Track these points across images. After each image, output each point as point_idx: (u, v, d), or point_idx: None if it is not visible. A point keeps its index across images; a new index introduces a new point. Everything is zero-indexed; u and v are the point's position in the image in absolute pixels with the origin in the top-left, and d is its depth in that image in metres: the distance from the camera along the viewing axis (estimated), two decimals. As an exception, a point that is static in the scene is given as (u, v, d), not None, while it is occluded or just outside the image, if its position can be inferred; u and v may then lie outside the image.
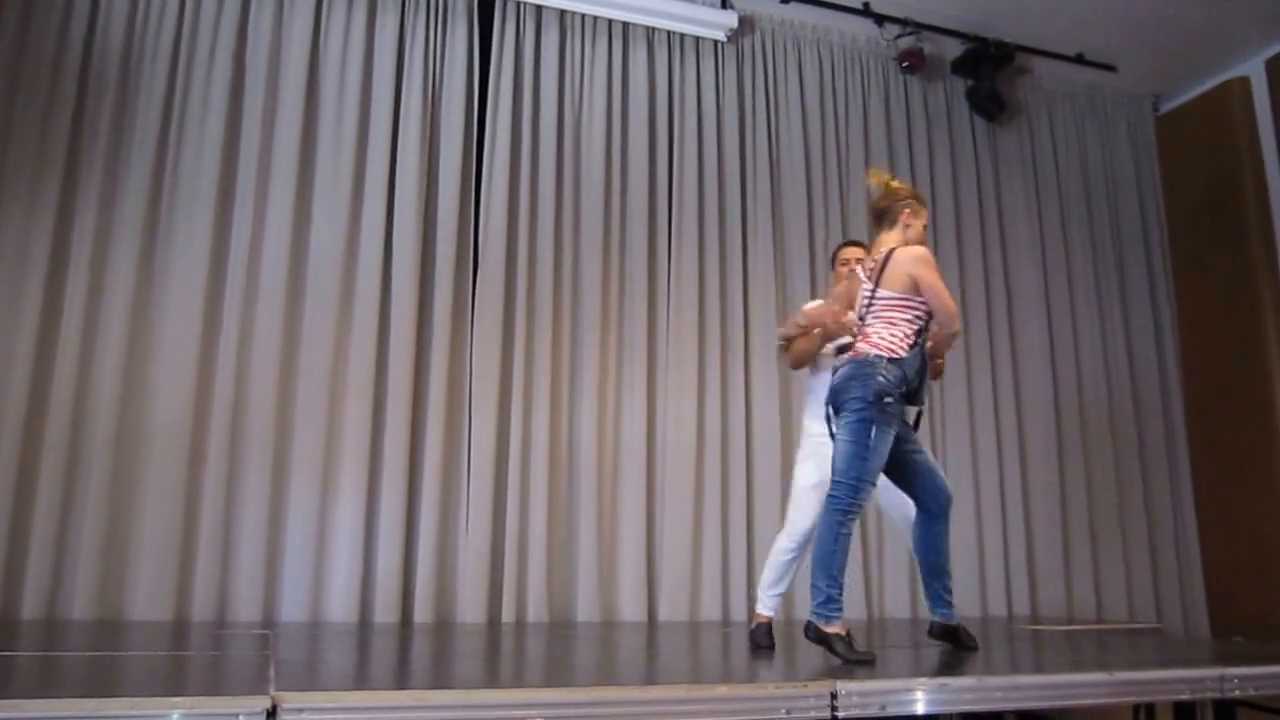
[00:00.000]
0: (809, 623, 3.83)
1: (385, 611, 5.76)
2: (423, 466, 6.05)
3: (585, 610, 6.16)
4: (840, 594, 3.81)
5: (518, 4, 6.86)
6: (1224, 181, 8.03)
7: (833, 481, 3.91)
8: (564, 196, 6.72)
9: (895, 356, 3.90)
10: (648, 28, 7.16)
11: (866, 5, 7.49)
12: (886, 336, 3.95)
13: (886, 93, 7.83)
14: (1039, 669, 3.89)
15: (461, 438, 6.19)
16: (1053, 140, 8.40)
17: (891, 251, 4.05)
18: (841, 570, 3.84)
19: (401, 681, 3.35)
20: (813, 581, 3.84)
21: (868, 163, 7.56)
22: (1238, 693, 3.51)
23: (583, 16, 7.01)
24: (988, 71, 7.80)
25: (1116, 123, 8.66)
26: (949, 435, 7.34)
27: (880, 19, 7.57)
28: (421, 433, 6.10)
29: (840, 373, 4.02)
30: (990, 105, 7.87)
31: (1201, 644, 6.52)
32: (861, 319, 4.07)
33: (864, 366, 3.92)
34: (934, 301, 3.97)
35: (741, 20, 7.31)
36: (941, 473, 4.25)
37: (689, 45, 7.28)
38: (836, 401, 3.99)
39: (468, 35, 6.72)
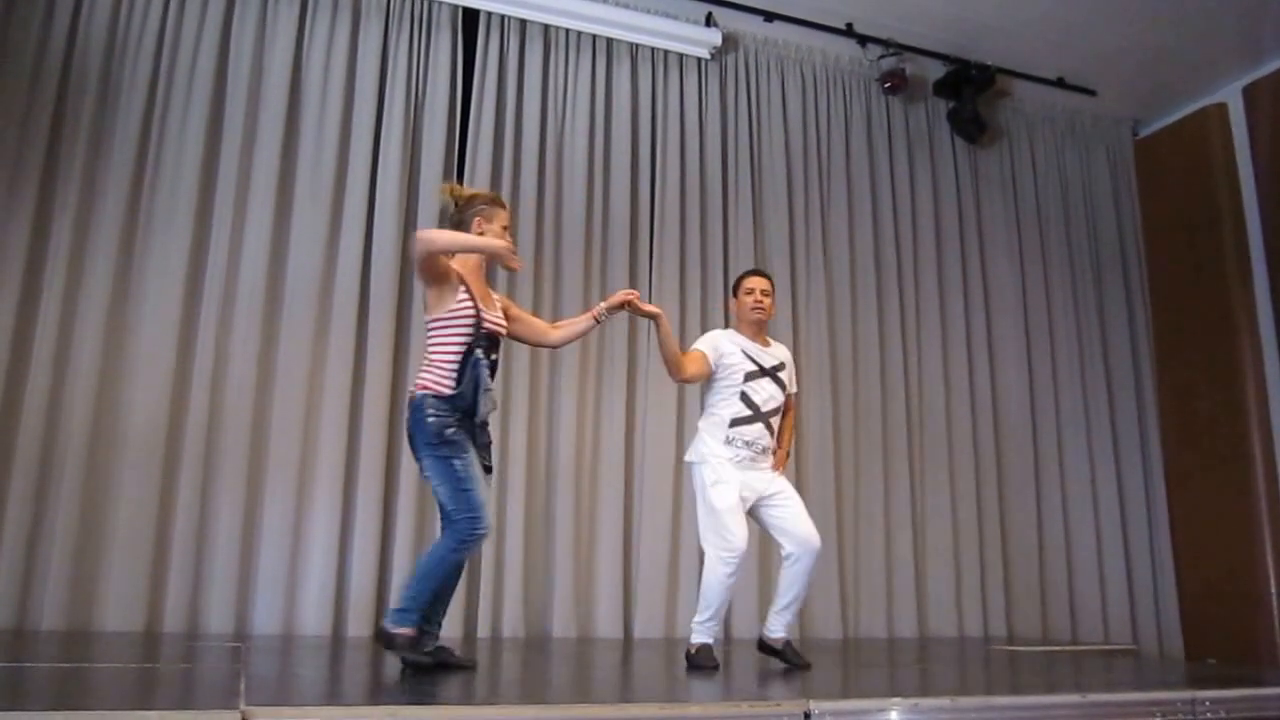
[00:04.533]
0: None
1: (359, 625, 5.72)
2: (399, 479, 6.02)
3: (561, 626, 6.14)
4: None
5: (502, 18, 6.86)
6: (1201, 206, 8.08)
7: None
8: (545, 210, 6.72)
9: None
10: (631, 44, 7.18)
11: (850, 26, 7.53)
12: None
13: (868, 113, 7.87)
14: (1013, 690, 3.89)
15: (438, 451, 6.16)
16: (1033, 163, 8.46)
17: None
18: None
19: (374, 697, 3.33)
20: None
21: (849, 181, 7.61)
22: (1209, 716, 3.52)
23: (567, 32, 7.02)
24: (969, 94, 7.85)
25: (1096, 146, 8.72)
26: (926, 454, 7.36)
27: (863, 40, 7.61)
28: (398, 445, 6.06)
29: None
30: (971, 127, 7.91)
31: (1174, 666, 6.54)
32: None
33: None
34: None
35: (725, 38, 7.33)
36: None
37: (673, 62, 7.30)
38: None
39: (451, 48, 6.72)
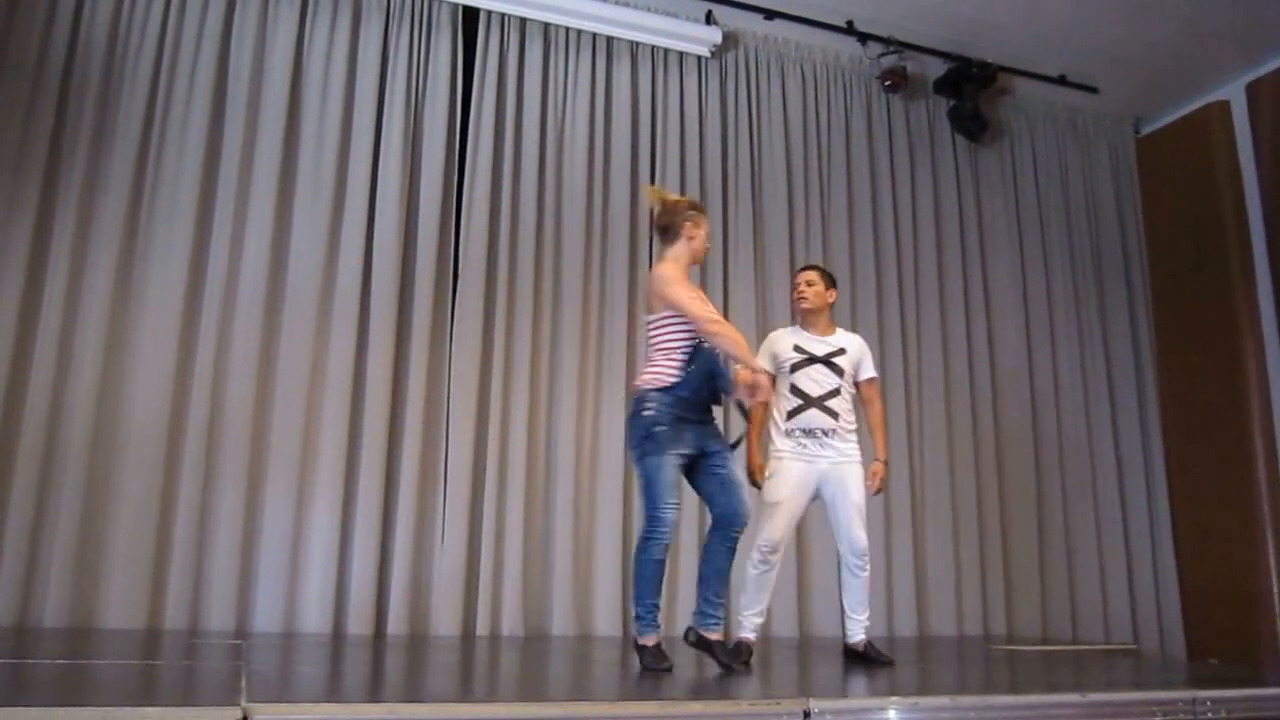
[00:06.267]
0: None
1: (359, 623, 5.73)
2: (399, 477, 6.03)
3: (560, 624, 6.15)
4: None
5: (502, 16, 6.86)
6: (1204, 203, 8.07)
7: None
8: (545, 209, 6.71)
9: (663, 385, 4.04)
10: (631, 42, 7.17)
11: (850, 24, 7.52)
12: (658, 364, 4.11)
13: (869, 111, 7.86)
14: (1013, 689, 3.89)
15: (439, 449, 6.17)
16: (1034, 160, 8.44)
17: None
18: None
19: (374, 694, 3.34)
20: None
21: (849, 180, 7.60)
22: (1210, 715, 3.52)
23: (566, 30, 7.01)
24: (970, 91, 7.83)
25: (1097, 144, 8.71)
26: (926, 452, 7.35)
27: (863, 37, 7.59)
28: (398, 443, 6.08)
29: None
30: (972, 125, 7.89)
31: (1176, 666, 6.54)
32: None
33: (637, 403, 4.10)
34: (687, 316, 4.10)
35: (725, 36, 7.32)
36: (739, 493, 4.20)
37: (673, 60, 7.29)
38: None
39: (451, 47, 6.71)
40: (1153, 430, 8.20)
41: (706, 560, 4.16)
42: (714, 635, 4.11)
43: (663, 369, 4.08)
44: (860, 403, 4.92)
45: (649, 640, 3.98)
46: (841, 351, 4.79)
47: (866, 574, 4.69)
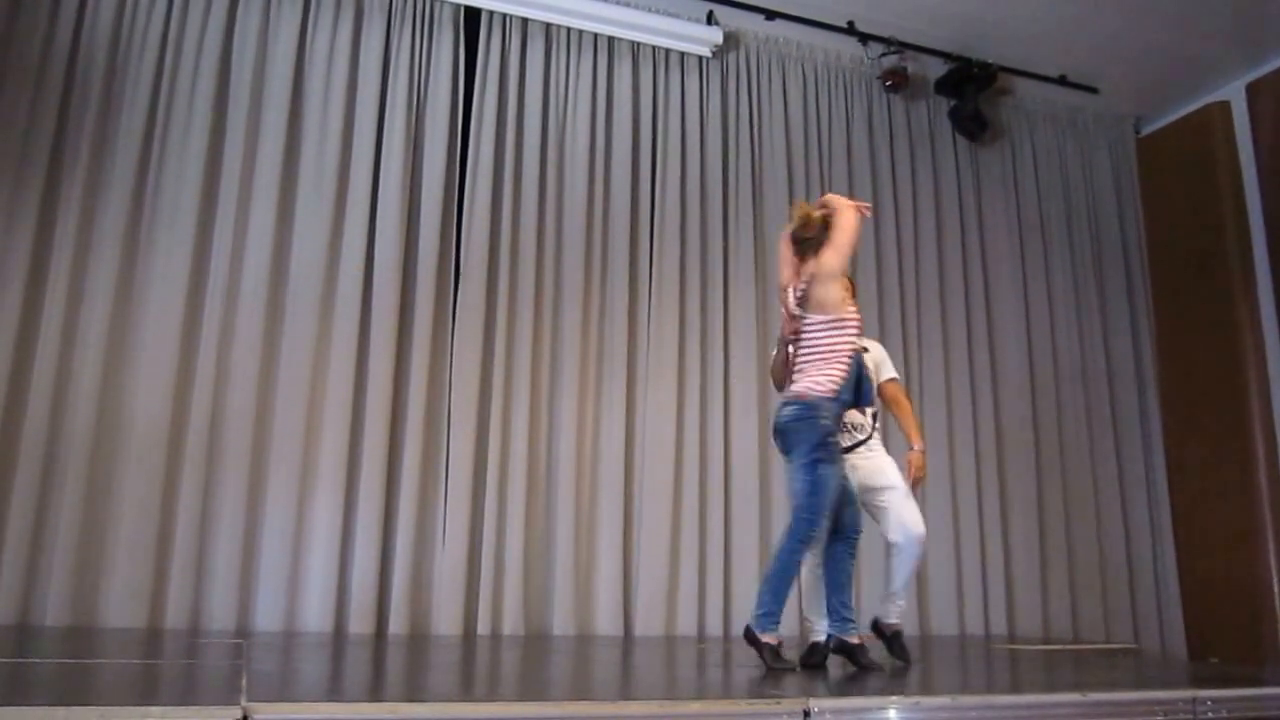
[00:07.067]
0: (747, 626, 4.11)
1: (360, 622, 5.73)
2: (400, 477, 6.03)
3: (561, 623, 6.15)
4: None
5: (503, 17, 6.86)
6: (1204, 203, 8.07)
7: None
8: (546, 209, 6.72)
9: (832, 393, 4.11)
10: (632, 43, 7.17)
11: (851, 24, 7.52)
12: (822, 370, 4.15)
13: (870, 111, 7.86)
14: (1014, 689, 3.89)
15: (440, 449, 6.17)
16: (1034, 160, 8.44)
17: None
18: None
19: (375, 693, 3.34)
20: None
21: (850, 180, 7.58)
22: (1210, 715, 3.51)
23: (568, 30, 7.02)
24: (971, 92, 7.83)
25: (1098, 144, 8.71)
26: (927, 451, 7.33)
27: (864, 38, 7.60)
28: (400, 443, 6.08)
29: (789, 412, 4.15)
30: (973, 125, 7.90)
31: (1176, 665, 6.53)
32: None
33: (807, 410, 4.09)
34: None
35: (726, 37, 7.33)
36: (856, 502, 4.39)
37: (674, 61, 7.30)
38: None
39: (453, 46, 6.72)
40: (1153, 429, 8.21)
41: (836, 568, 4.26)
42: (854, 639, 4.18)
43: (829, 374, 4.11)
44: (886, 403, 4.97)
45: (771, 639, 4.00)
46: (864, 350, 4.81)
47: (919, 558, 4.81)
